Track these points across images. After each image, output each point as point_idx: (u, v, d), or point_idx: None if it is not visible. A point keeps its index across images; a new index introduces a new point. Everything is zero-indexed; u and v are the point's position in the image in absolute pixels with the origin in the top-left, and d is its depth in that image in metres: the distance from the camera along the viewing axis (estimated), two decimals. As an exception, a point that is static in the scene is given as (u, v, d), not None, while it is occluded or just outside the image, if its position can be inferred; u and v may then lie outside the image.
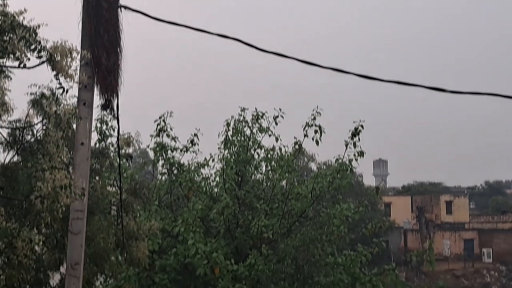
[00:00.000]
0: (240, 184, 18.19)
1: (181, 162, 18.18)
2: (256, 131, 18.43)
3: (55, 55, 7.92)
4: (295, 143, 18.32)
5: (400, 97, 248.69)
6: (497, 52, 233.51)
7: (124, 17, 8.56)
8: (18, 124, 9.38)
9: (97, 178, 10.75)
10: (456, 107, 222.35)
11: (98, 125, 16.29)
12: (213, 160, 18.62)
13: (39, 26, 7.92)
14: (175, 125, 18.06)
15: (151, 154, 18.71)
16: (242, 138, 18.44)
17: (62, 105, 8.83)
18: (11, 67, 8.24)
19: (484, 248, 75.46)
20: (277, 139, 18.44)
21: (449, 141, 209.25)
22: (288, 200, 17.76)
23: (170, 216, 17.51)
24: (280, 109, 18.23)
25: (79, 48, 8.28)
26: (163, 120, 17.92)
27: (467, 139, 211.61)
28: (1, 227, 7.99)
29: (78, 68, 8.25)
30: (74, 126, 8.80)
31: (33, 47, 7.90)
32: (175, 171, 17.99)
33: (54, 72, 8.05)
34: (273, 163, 18.74)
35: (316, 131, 17.55)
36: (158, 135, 17.99)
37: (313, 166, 66.42)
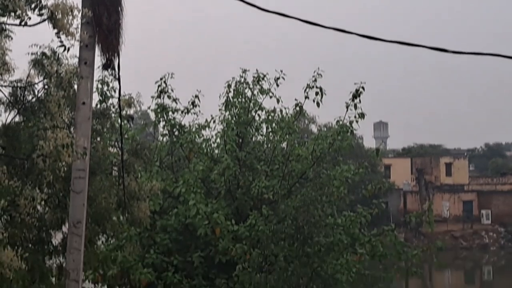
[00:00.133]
0: (241, 146, 18.19)
1: (182, 123, 18.17)
2: (257, 93, 18.37)
3: (56, 13, 7.88)
4: (296, 105, 18.28)
5: (405, 59, 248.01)
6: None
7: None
8: (19, 84, 9.36)
9: (98, 138, 10.75)
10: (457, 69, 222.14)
11: (99, 86, 16.24)
12: (214, 122, 18.63)
13: (39, -17, 7.87)
14: (177, 86, 18.03)
15: (152, 115, 18.68)
16: (243, 100, 18.38)
17: (63, 64, 8.83)
18: (12, 25, 8.20)
19: (483, 210, 76.02)
20: (278, 101, 18.40)
21: (449, 104, 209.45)
22: (288, 162, 17.79)
23: (171, 177, 17.55)
24: (281, 71, 18.16)
25: (80, 6, 8.24)
26: (164, 82, 17.84)
27: (467, 101, 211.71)
28: (3, 186, 8.03)
29: (79, 26, 8.22)
30: (76, 85, 8.81)
31: (34, 5, 7.87)
32: (176, 133, 17.97)
33: (55, 30, 8.03)
34: (274, 124, 18.72)
35: (317, 93, 17.48)
36: (159, 96, 17.92)
37: (314, 128, 66.60)
